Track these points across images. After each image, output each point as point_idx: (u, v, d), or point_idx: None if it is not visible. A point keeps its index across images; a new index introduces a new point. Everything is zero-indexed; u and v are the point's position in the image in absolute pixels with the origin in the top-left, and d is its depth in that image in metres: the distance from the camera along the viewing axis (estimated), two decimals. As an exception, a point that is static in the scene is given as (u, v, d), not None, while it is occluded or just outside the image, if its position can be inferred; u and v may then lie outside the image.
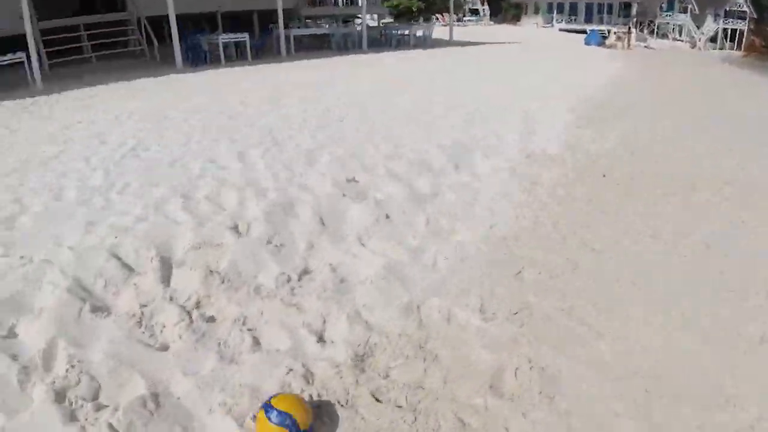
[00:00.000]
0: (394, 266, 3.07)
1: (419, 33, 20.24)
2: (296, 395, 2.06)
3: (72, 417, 1.98)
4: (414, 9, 20.67)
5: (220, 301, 2.68)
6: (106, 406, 2.06)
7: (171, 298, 2.65)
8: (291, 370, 2.23)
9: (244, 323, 2.53)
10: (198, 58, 12.81)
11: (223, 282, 2.80)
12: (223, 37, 13.27)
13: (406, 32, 19.89)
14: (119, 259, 2.88)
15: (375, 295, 2.79)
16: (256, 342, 2.43)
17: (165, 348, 2.37)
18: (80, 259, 2.78)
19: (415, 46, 18.61)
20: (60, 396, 2.05)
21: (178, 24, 11.92)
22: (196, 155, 4.81)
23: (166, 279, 2.80)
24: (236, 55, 13.77)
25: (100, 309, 2.52)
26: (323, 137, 5.64)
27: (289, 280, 2.89)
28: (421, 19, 20.90)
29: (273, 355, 2.33)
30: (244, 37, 13.74)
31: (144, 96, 8.22)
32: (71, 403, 2.03)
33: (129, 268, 2.84)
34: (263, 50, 14.88)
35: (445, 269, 3.07)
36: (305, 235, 3.35)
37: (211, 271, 2.85)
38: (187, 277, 2.81)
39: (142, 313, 2.53)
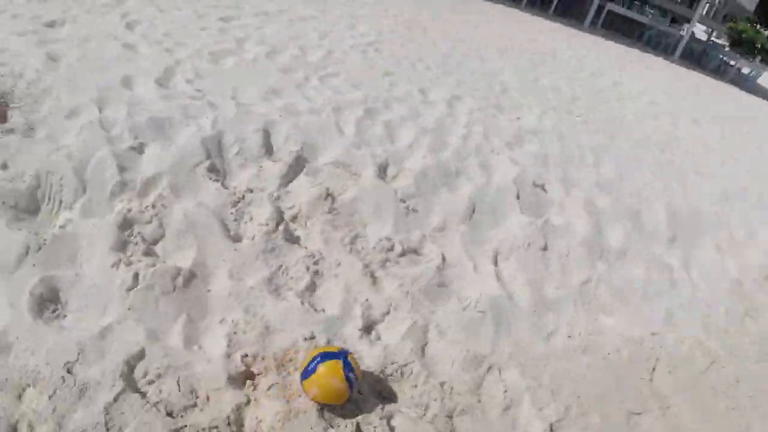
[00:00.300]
0: (505, 306, 2.52)
1: (746, 70, 16.54)
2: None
3: (121, 246, 2.04)
4: (758, 45, 16.61)
5: (314, 229, 2.50)
6: (154, 256, 2.08)
7: (276, 198, 2.56)
8: (312, 338, 1.98)
9: (315, 263, 2.33)
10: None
11: (330, 212, 2.60)
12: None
13: (732, 62, 16.41)
14: (267, 136, 2.86)
15: (458, 322, 2.32)
16: (310, 289, 2.21)
17: (236, 239, 2.30)
18: (236, 118, 2.83)
19: (732, 81, 15.33)
20: (127, 224, 2.13)
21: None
22: (412, 79, 4.59)
23: (288, 179, 2.71)
24: (538, 1, 12.94)
25: (215, 171, 2.54)
26: (549, 124, 4.93)
27: (390, 249, 2.57)
28: (758, 58, 16.88)
29: (310, 313, 2.09)
30: (555, -12, 12.75)
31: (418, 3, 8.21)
32: (129, 235, 2.09)
33: (268, 150, 2.81)
34: (569, 12, 13.72)
35: (558, 348, 2.42)
36: (443, 215, 2.94)
37: (328, 195, 2.67)
38: (304, 188, 2.67)
39: (243, 197, 2.48)
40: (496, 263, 2.83)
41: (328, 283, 2.27)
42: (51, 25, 3.23)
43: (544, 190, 3.62)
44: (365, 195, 2.76)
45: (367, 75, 4.23)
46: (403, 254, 2.59)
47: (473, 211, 3.08)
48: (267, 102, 3.15)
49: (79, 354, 1.68)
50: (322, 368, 1.71)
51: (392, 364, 1.99)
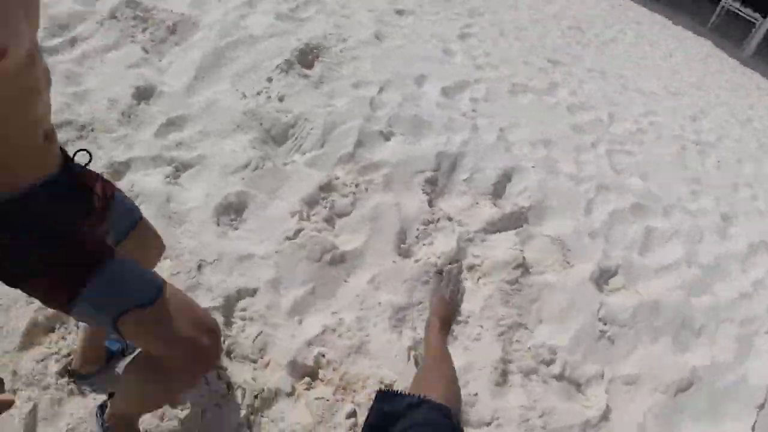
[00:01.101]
0: None
1: None
2: None
3: (311, 202, 2.21)
4: None
5: (482, 290, 2.24)
6: (330, 226, 2.20)
7: (468, 239, 2.38)
8: (389, 385, 1.80)
9: (456, 324, 2.09)
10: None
11: (510, 284, 2.29)
12: None
13: None
14: (505, 179, 2.70)
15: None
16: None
17: (403, 254, 2.23)
18: (488, 148, 2.74)
19: None
20: (328, 188, 2.29)
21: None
22: (723, 200, 3.63)
23: (495, 228, 2.49)
24: None
25: (432, 185, 2.50)
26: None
27: (548, 363, 2.12)
28: None
29: (409, 364, 1.90)
30: None
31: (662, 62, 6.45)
32: (324, 198, 2.26)
33: (497, 192, 2.65)
34: None
35: None
36: (644, 367, 2.30)
37: (521, 266, 2.35)
38: (503, 246, 2.41)
39: (439, 220, 2.38)
40: (608, 390, 2.10)
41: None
42: (400, 12, 3.67)
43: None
44: (561, 290, 2.35)
45: (668, 172, 3.56)
46: (559, 378, 2.12)
47: (688, 387, 2.33)
48: (532, 148, 2.95)
49: (215, 260, 1.89)
50: None
51: None
